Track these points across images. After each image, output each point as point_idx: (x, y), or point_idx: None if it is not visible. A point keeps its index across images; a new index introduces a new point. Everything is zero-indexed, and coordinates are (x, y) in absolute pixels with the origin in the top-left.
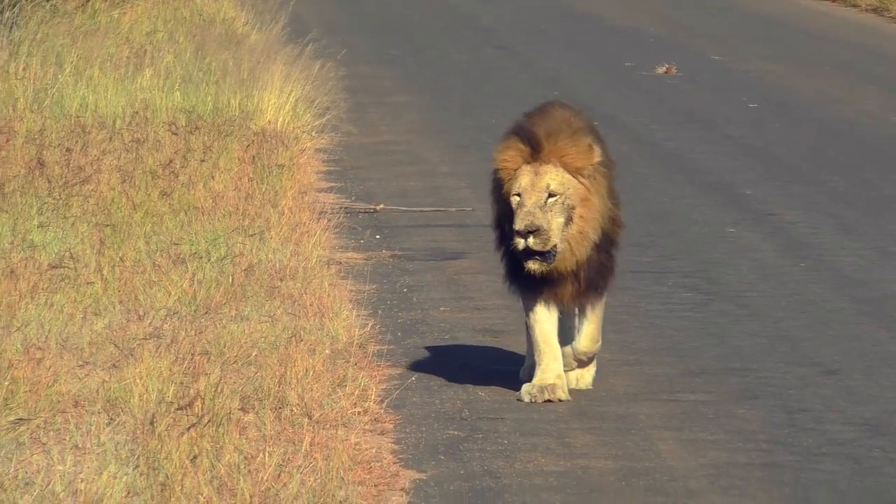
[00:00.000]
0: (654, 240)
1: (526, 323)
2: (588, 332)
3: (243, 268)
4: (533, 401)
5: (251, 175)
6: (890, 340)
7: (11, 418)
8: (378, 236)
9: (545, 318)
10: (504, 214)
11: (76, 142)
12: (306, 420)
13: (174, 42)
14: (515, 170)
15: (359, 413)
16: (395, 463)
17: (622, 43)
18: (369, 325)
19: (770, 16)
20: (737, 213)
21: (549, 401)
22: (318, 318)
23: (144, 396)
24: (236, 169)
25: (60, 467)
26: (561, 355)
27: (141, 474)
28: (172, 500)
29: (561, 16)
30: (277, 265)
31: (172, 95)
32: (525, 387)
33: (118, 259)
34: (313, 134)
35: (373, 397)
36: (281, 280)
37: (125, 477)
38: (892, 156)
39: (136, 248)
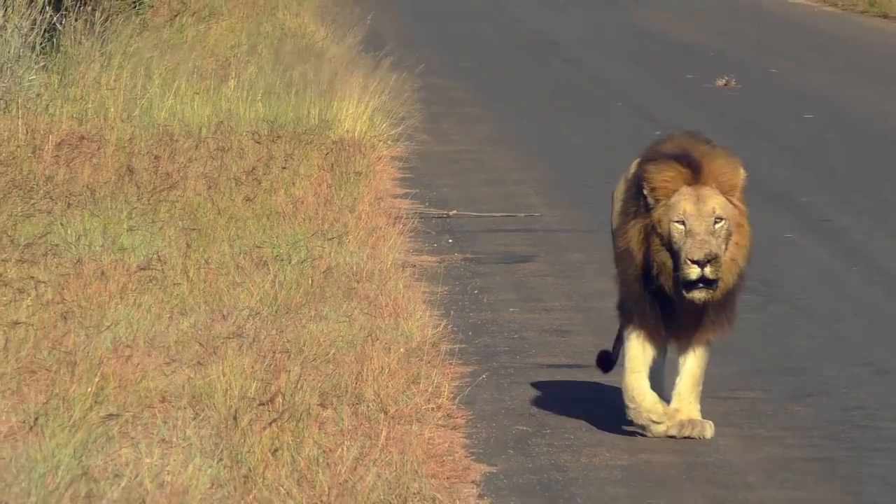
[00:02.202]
0: None
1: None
2: (691, 372)
3: (322, 270)
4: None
5: (330, 182)
6: None
7: (102, 414)
8: (450, 240)
9: (652, 351)
10: (649, 241)
11: (164, 150)
12: (382, 415)
13: (257, 55)
14: (673, 192)
15: (432, 409)
16: (466, 457)
17: (683, 56)
18: (442, 325)
19: (825, 31)
20: (794, 219)
21: (691, 438)
22: (394, 318)
23: (228, 392)
24: (316, 176)
25: (148, 460)
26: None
27: (225, 467)
28: (255, 491)
29: (624, 31)
30: (354, 267)
31: (255, 106)
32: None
33: (203, 261)
34: (389, 143)
35: (445, 394)
36: (358, 282)
37: (210, 469)
38: None
39: (221, 251)
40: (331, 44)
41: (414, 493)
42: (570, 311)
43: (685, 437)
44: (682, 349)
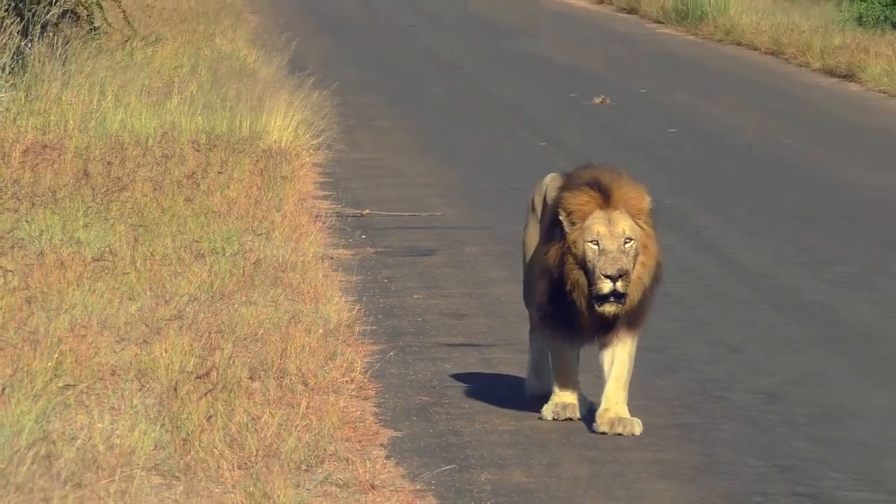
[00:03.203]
0: None
1: (534, 346)
2: (618, 373)
3: (252, 261)
4: (556, 418)
5: (259, 185)
6: (784, 325)
7: (60, 385)
8: (363, 236)
9: (573, 351)
10: (560, 260)
11: (115, 157)
12: (303, 387)
13: (197, 75)
14: (588, 216)
15: (346, 382)
16: (375, 423)
17: (567, 77)
18: (355, 309)
19: (687, 57)
20: (660, 219)
21: (570, 419)
22: (314, 303)
23: (169, 367)
24: (247, 180)
25: (100, 425)
26: (577, 388)
27: (166, 431)
28: (192, 453)
29: (516, 56)
30: (280, 259)
31: (195, 119)
32: (547, 406)
33: (149, 254)
34: (311, 151)
35: (358, 369)
36: (283, 272)
37: (153, 433)
38: (786, 172)
39: (164, 244)
40: (261, 65)
41: (330, 455)
42: (466, 297)
43: (616, 434)
44: (605, 347)
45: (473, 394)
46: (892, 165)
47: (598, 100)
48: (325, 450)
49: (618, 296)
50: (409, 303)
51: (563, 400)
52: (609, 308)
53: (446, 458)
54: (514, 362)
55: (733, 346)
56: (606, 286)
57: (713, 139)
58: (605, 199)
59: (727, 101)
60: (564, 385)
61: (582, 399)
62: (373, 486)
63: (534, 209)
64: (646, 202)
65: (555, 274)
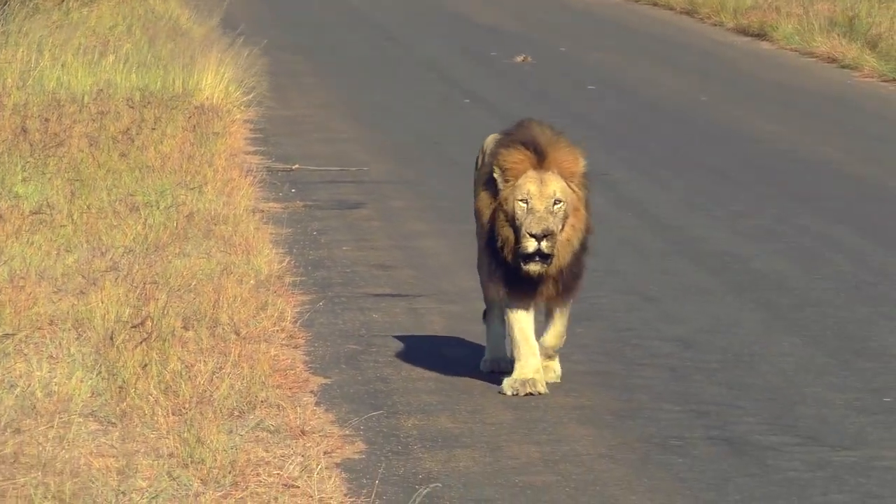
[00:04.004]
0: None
1: (487, 316)
2: (556, 331)
3: (185, 214)
4: (516, 394)
5: (192, 140)
6: (695, 273)
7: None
8: (293, 190)
9: (525, 318)
10: (495, 217)
11: (52, 113)
12: (235, 336)
13: (131, 34)
14: (521, 175)
15: (277, 331)
16: (305, 371)
17: (489, 37)
18: (286, 261)
19: (606, 16)
20: None
21: (531, 394)
22: (245, 255)
23: (105, 317)
24: (180, 135)
25: (38, 373)
26: (538, 352)
27: (102, 379)
28: (128, 399)
29: (439, 15)
30: (213, 212)
31: (130, 76)
32: (507, 381)
33: (85, 207)
34: (242, 108)
35: (288, 318)
36: (215, 224)
37: (90, 381)
38: (700, 126)
39: (100, 198)
40: (193, 25)
41: (262, 401)
42: (393, 250)
43: (527, 394)
44: (548, 314)
45: (400, 343)
46: (802, 121)
47: (519, 58)
48: (256, 396)
49: (543, 256)
50: (338, 255)
51: (524, 375)
52: (534, 267)
53: (374, 405)
54: (439, 312)
55: (649, 295)
56: (531, 245)
57: (631, 96)
58: (540, 159)
59: (644, 59)
60: (527, 354)
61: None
62: (303, 432)
63: (478, 170)
64: (580, 166)
65: (487, 230)
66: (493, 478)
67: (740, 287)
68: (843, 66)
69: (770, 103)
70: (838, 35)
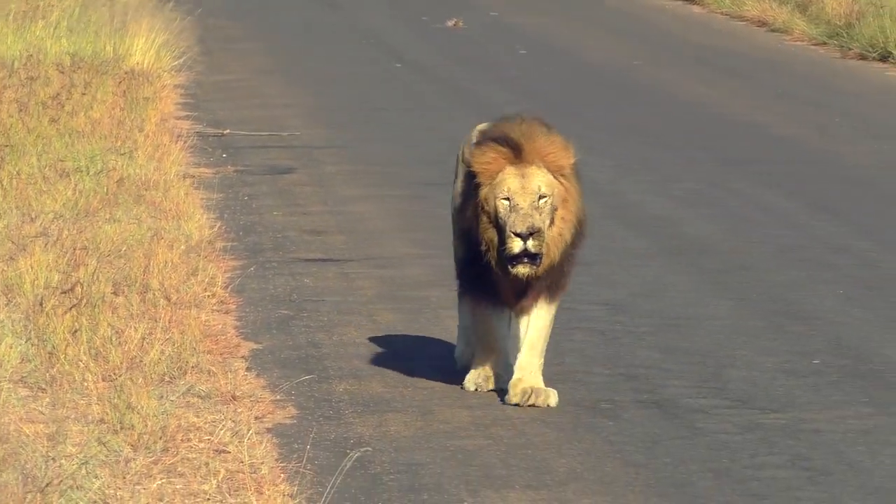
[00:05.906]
0: (443, 157)
1: (463, 310)
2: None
3: (115, 180)
4: (478, 389)
5: (122, 105)
6: (629, 238)
7: None
8: (224, 155)
9: (498, 317)
10: (475, 219)
11: None
12: (165, 302)
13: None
14: (498, 173)
15: (208, 296)
16: (237, 336)
17: (421, 1)
18: (217, 226)
19: None
20: None
21: (493, 391)
22: (176, 220)
23: (35, 282)
24: (110, 101)
25: None
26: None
27: (32, 345)
28: (58, 365)
29: None
30: (143, 178)
31: (60, 42)
32: (470, 376)
33: (15, 172)
34: (173, 73)
35: (219, 283)
36: (146, 190)
37: (20, 347)
38: (633, 90)
39: (30, 164)
40: None
41: (192, 367)
42: (325, 215)
43: (530, 406)
44: (522, 314)
45: (331, 307)
46: (733, 85)
47: (451, 22)
48: (187, 362)
49: (531, 256)
50: (269, 220)
51: (487, 371)
52: (522, 269)
53: (305, 370)
54: (370, 276)
55: (582, 260)
56: (517, 245)
57: (562, 60)
58: (517, 153)
59: (576, 23)
60: (487, 354)
61: (505, 368)
62: (234, 397)
63: (462, 163)
64: (566, 157)
65: (471, 234)
66: (424, 442)
67: (672, 251)
68: (773, 30)
69: (701, 67)
70: None
